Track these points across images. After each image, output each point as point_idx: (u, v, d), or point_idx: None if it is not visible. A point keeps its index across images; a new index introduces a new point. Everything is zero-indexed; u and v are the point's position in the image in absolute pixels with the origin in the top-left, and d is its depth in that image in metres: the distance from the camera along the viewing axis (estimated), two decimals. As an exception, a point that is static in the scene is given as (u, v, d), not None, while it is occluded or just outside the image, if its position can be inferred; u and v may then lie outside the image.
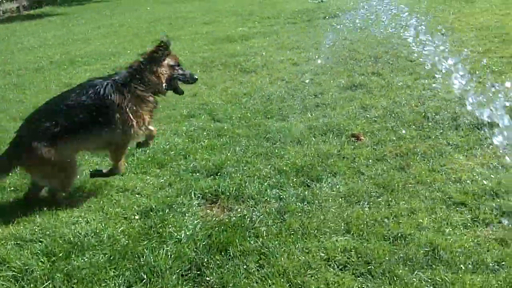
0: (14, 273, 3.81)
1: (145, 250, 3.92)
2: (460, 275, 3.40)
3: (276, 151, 5.61)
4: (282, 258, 3.75)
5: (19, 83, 10.27)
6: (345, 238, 3.95)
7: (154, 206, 4.58)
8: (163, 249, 3.91)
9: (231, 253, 3.86)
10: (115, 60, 11.48)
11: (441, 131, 5.62)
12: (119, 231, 4.25)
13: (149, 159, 5.62)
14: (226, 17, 16.67)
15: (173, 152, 5.75)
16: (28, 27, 20.60)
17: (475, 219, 4.04)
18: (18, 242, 4.23)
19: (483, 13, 11.97)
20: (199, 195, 4.78)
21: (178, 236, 4.08)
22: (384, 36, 10.37)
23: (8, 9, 26.89)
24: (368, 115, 6.36)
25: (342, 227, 4.09)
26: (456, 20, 11.40)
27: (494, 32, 9.86)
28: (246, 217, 4.34)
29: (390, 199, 4.44)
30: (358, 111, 6.55)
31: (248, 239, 4.02)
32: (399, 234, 3.90)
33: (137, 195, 4.87)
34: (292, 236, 4.03)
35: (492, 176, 4.59)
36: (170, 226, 4.24)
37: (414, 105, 6.49)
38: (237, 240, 3.98)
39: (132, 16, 20.21)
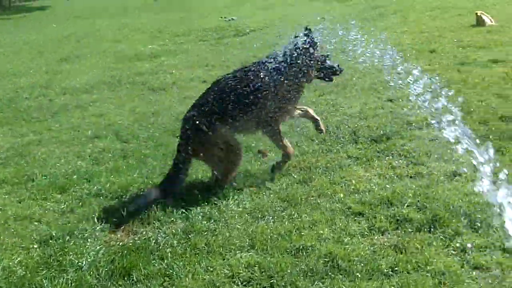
0: None
1: (43, 280, 3.78)
2: (357, 283, 3.53)
3: (184, 170, 5.59)
4: (187, 279, 3.75)
5: None
6: (249, 253, 4.00)
7: (54, 234, 4.43)
8: (63, 278, 3.80)
9: (135, 278, 3.81)
10: (16, 80, 11.07)
11: (342, 144, 5.83)
12: (15, 262, 4.07)
13: (50, 184, 5.46)
14: (136, 34, 16.52)
15: (75, 176, 5.62)
16: None
17: (371, 227, 4.20)
18: None
19: (383, 31, 12.55)
20: (103, 219, 4.68)
21: (79, 264, 3.98)
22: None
23: None
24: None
25: (247, 243, 4.13)
26: (358, 37, 11.85)
27: (393, 49, 10.33)
28: (151, 239, 4.30)
29: (293, 212, 4.54)
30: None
31: (152, 262, 3.99)
32: (301, 246, 3.99)
33: (36, 223, 4.70)
34: (197, 255, 4.03)
35: (387, 186, 4.79)
36: (70, 253, 4.12)
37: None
38: (140, 264, 3.93)
39: (38, 34, 19.55)
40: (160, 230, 4.45)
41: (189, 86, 9.34)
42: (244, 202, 4.81)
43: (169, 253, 4.07)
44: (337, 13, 15.27)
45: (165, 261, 3.98)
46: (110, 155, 6.20)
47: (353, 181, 4.96)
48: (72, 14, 25.04)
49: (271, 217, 4.50)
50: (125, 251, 4.12)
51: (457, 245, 3.84)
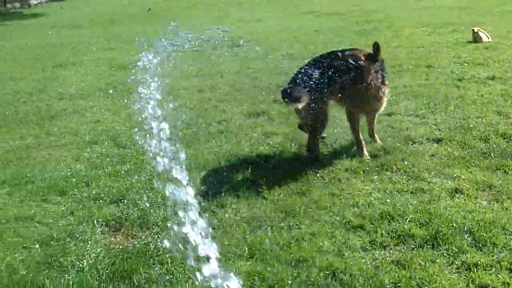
0: None
1: (45, 279, 3.80)
2: (359, 297, 3.56)
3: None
4: (187, 285, 3.76)
5: None
6: (249, 263, 4.02)
7: (54, 235, 4.45)
8: (65, 279, 3.81)
9: (135, 281, 3.83)
10: (14, 84, 11.02)
11: (340, 157, 5.86)
12: (18, 260, 4.09)
13: (49, 186, 5.47)
14: (128, 44, 16.49)
15: (74, 179, 5.61)
16: None
17: (373, 242, 4.21)
18: None
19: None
20: (102, 222, 4.69)
21: (80, 265, 4.00)
22: (284, 65, 10.69)
23: None
24: (270, 142, 6.52)
25: (246, 252, 4.15)
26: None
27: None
28: (151, 244, 4.32)
29: (292, 223, 4.57)
30: (261, 138, 6.69)
31: (152, 266, 4.01)
32: (301, 258, 4.02)
33: (36, 224, 4.71)
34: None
35: (388, 200, 4.82)
36: (71, 254, 4.14)
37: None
38: (141, 268, 3.95)
39: (33, 40, 19.43)
40: (159, 236, 4.46)
41: (184, 95, 9.34)
42: (241, 211, 4.83)
43: (169, 259, 4.08)
44: (329, 26, 15.39)
45: (165, 266, 4.00)
46: (108, 159, 6.20)
47: (352, 194, 5.00)
48: (66, 22, 24.94)
49: (269, 227, 4.52)
50: (126, 255, 4.14)
51: (461, 262, 3.86)
